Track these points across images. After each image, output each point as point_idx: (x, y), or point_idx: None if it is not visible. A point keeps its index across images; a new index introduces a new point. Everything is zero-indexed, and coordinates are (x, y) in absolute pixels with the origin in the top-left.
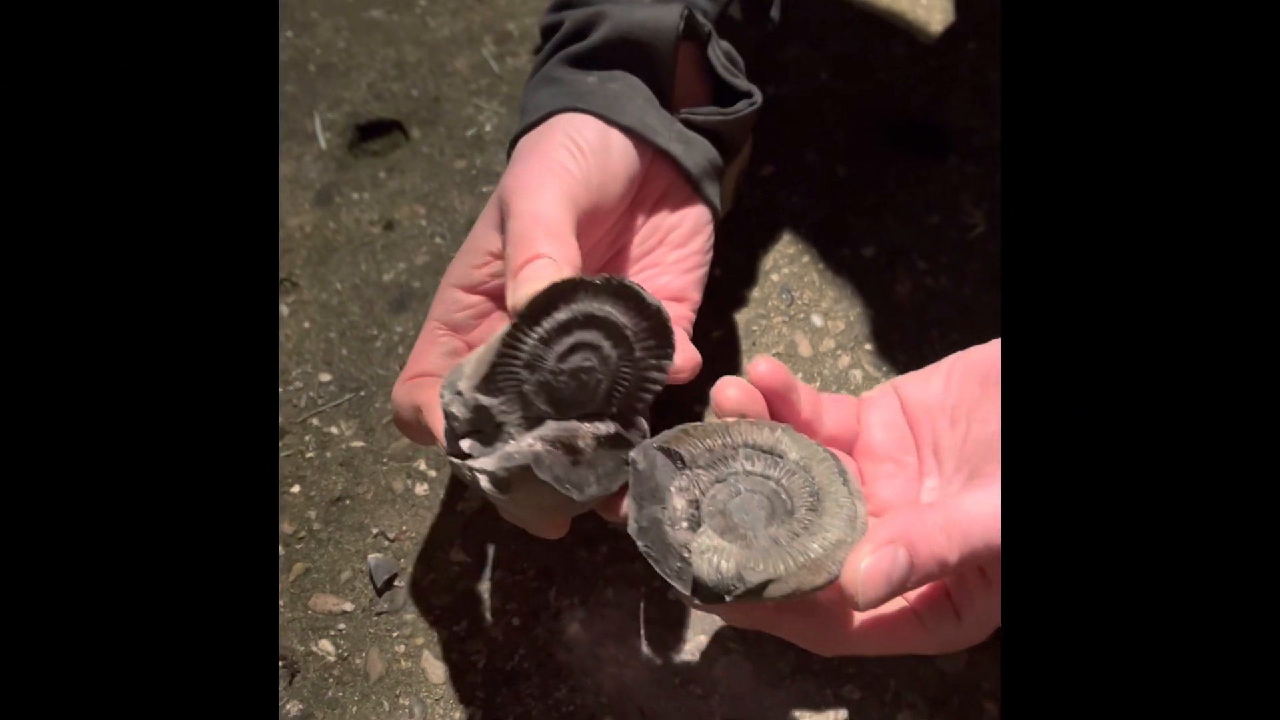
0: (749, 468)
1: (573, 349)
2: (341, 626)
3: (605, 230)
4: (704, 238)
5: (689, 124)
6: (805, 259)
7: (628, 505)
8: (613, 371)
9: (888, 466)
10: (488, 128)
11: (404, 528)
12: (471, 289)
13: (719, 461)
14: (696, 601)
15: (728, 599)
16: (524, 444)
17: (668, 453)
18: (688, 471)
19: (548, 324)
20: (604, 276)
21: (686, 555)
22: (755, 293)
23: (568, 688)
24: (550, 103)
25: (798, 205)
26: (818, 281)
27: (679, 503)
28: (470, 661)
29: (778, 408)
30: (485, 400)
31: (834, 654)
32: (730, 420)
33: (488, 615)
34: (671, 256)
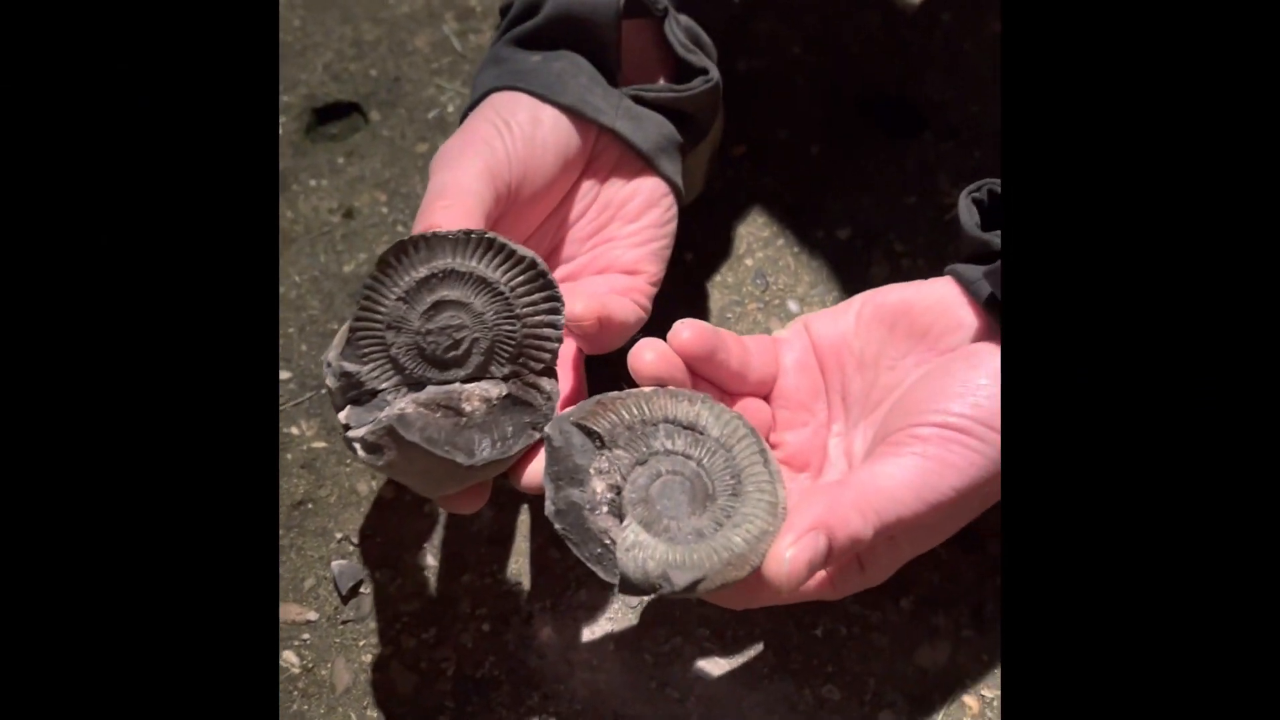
0: (669, 446)
1: (436, 306)
2: (306, 636)
3: (548, 207)
4: (659, 211)
5: (640, 100)
6: (780, 242)
7: (544, 483)
8: (490, 329)
9: (800, 414)
10: (450, 109)
11: (369, 532)
12: None
13: (638, 440)
14: (617, 590)
15: (653, 595)
16: (397, 408)
17: (585, 430)
18: (607, 452)
19: (405, 281)
20: (464, 230)
21: (608, 542)
22: (729, 278)
23: (540, 695)
24: (489, 82)
25: (770, 186)
26: (793, 265)
27: (599, 486)
28: (440, 670)
29: (704, 368)
30: (350, 366)
31: (744, 608)
32: (648, 390)
33: (457, 621)
34: (624, 230)
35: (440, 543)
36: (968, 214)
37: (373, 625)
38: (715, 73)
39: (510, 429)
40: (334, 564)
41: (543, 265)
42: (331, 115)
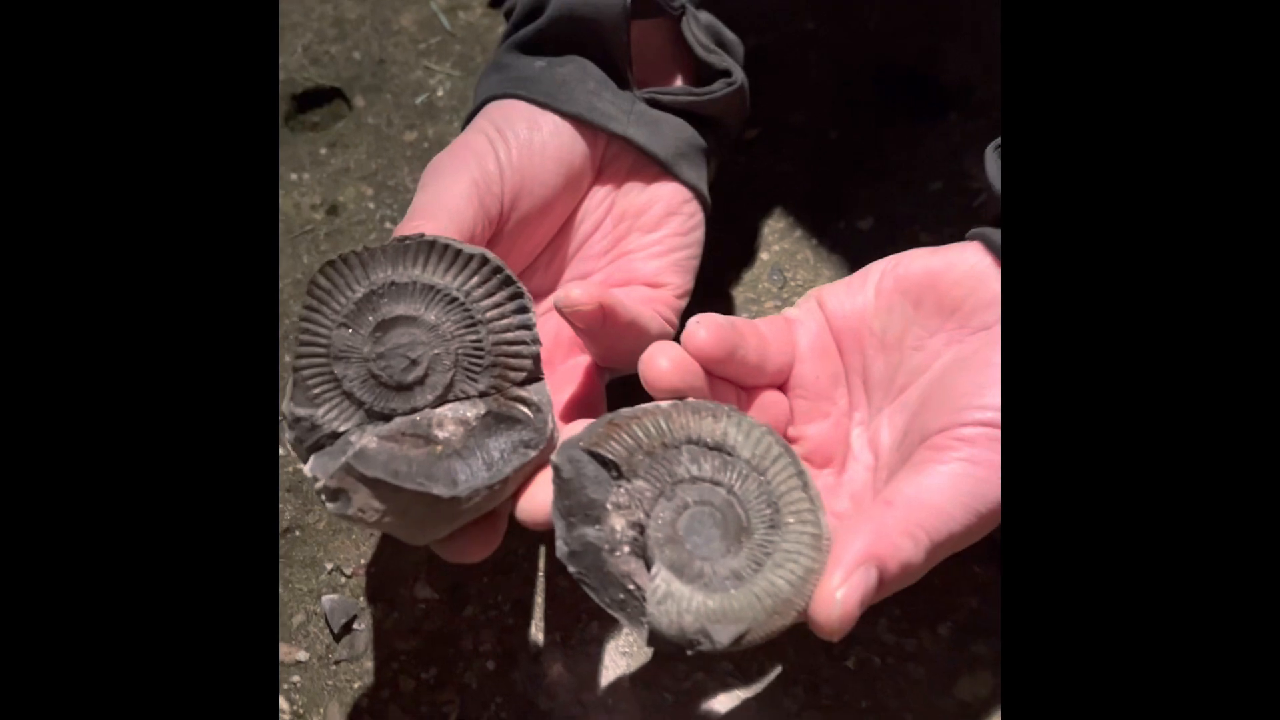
0: (695, 471)
1: (383, 326)
2: (296, 679)
3: (555, 222)
4: (680, 220)
5: (656, 104)
6: (797, 234)
7: (553, 519)
8: (451, 341)
9: (819, 404)
10: (440, 93)
11: (362, 561)
12: None
13: (660, 466)
14: (646, 644)
15: (690, 653)
16: (358, 445)
17: (598, 458)
18: (625, 484)
19: (343, 304)
20: (400, 237)
21: (631, 587)
22: (744, 274)
23: None
24: (487, 90)
25: (786, 172)
26: (812, 259)
27: (618, 523)
28: (442, 714)
29: (722, 368)
30: (302, 411)
31: None
32: (666, 406)
33: (460, 660)
34: (644, 241)
35: (440, 573)
36: (996, 171)
37: (368, 665)
38: (739, 75)
39: (498, 451)
40: (325, 598)
41: (496, 261)
42: (312, 102)
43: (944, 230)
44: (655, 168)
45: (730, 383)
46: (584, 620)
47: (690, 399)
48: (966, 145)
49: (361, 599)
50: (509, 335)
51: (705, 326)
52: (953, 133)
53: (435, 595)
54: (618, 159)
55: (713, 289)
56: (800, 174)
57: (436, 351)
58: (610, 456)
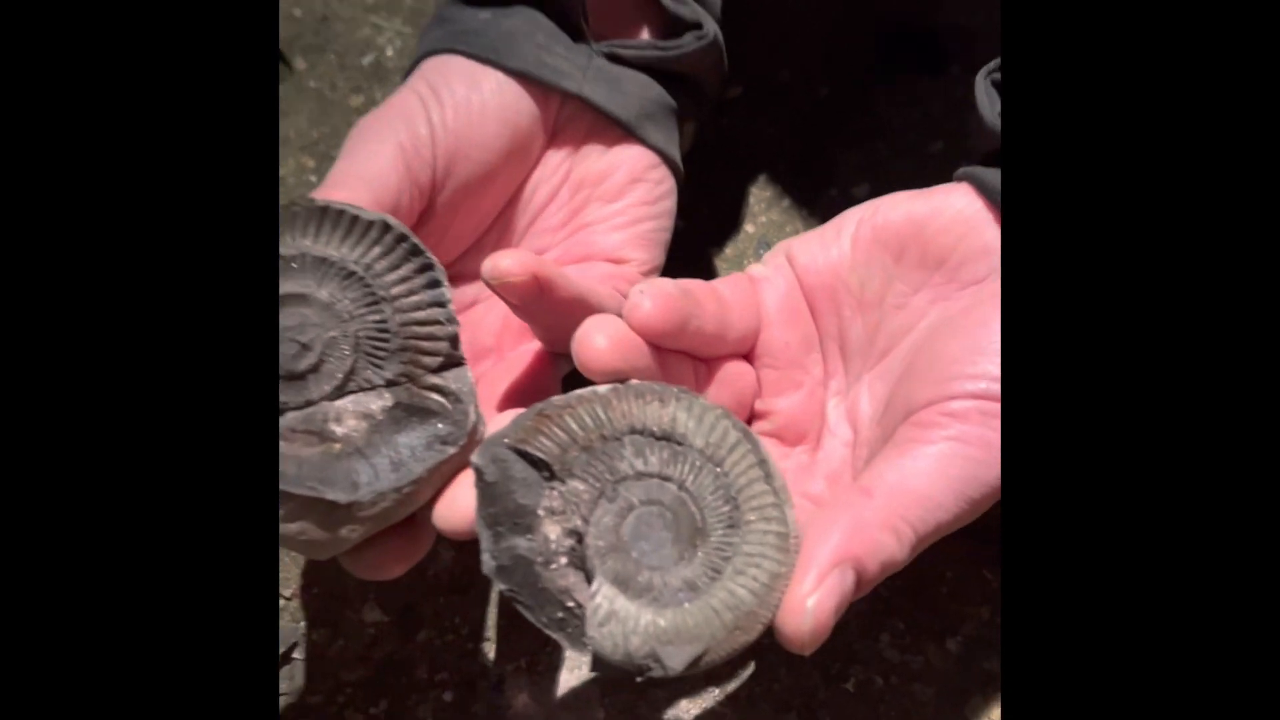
0: (640, 466)
1: None
2: None
3: (502, 192)
4: (646, 187)
5: (617, 59)
6: (785, 204)
7: (477, 529)
8: (349, 321)
9: (790, 373)
10: (389, 52)
11: (303, 581)
12: None
13: (599, 462)
14: (590, 669)
15: (639, 680)
16: None
17: (526, 456)
18: (559, 485)
19: None
20: (288, 203)
21: (570, 604)
22: (727, 249)
23: None
24: (426, 45)
25: (772, 136)
26: (803, 231)
27: (552, 532)
28: None
29: (675, 341)
30: None
31: None
32: (604, 390)
33: (414, 691)
34: (604, 211)
35: (390, 593)
36: (987, 101)
37: (310, 700)
38: (711, 27)
39: (408, 449)
40: None
41: (400, 227)
42: None
43: None
44: (616, 130)
45: (686, 355)
46: (550, 643)
47: (634, 381)
48: (970, 102)
49: (302, 624)
50: (419, 314)
51: (650, 295)
52: (954, 88)
53: (385, 618)
54: (573, 121)
55: (691, 267)
56: (787, 136)
57: (332, 334)
58: (540, 454)
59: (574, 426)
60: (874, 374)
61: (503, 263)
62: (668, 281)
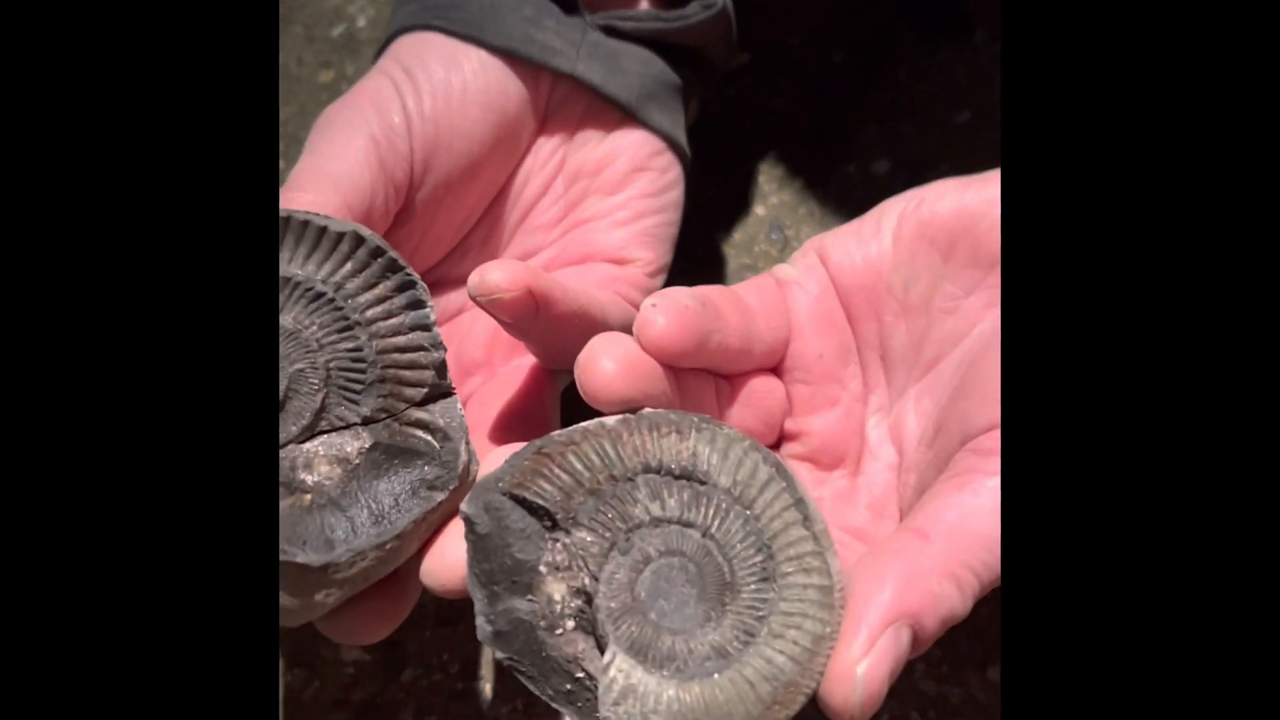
0: (657, 511)
1: None
2: None
3: (488, 187)
4: (651, 177)
5: (614, 32)
6: (799, 183)
7: (469, 589)
8: (319, 351)
9: (825, 388)
10: (360, 22)
11: None
12: None
13: (608, 508)
14: None
15: None
16: None
17: (524, 503)
18: (563, 536)
19: None
20: None
21: (580, 675)
22: (735, 234)
23: None
24: (400, 21)
25: (783, 108)
26: (818, 213)
27: (556, 591)
28: None
29: (694, 360)
30: None
31: None
32: (613, 423)
33: None
34: (604, 205)
35: None
36: None
37: None
38: None
39: (390, 497)
40: None
41: (375, 240)
42: None
43: (975, 170)
44: (616, 113)
45: (707, 372)
46: None
47: (648, 411)
48: (998, 69)
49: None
50: (399, 339)
51: (665, 310)
52: (981, 54)
53: (366, 656)
54: (567, 103)
55: (696, 257)
56: (800, 109)
57: (299, 367)
58: (540, 500)
59: (579, 467)
60: (920, 388)
61: (491, 276)
62: (683, 292)
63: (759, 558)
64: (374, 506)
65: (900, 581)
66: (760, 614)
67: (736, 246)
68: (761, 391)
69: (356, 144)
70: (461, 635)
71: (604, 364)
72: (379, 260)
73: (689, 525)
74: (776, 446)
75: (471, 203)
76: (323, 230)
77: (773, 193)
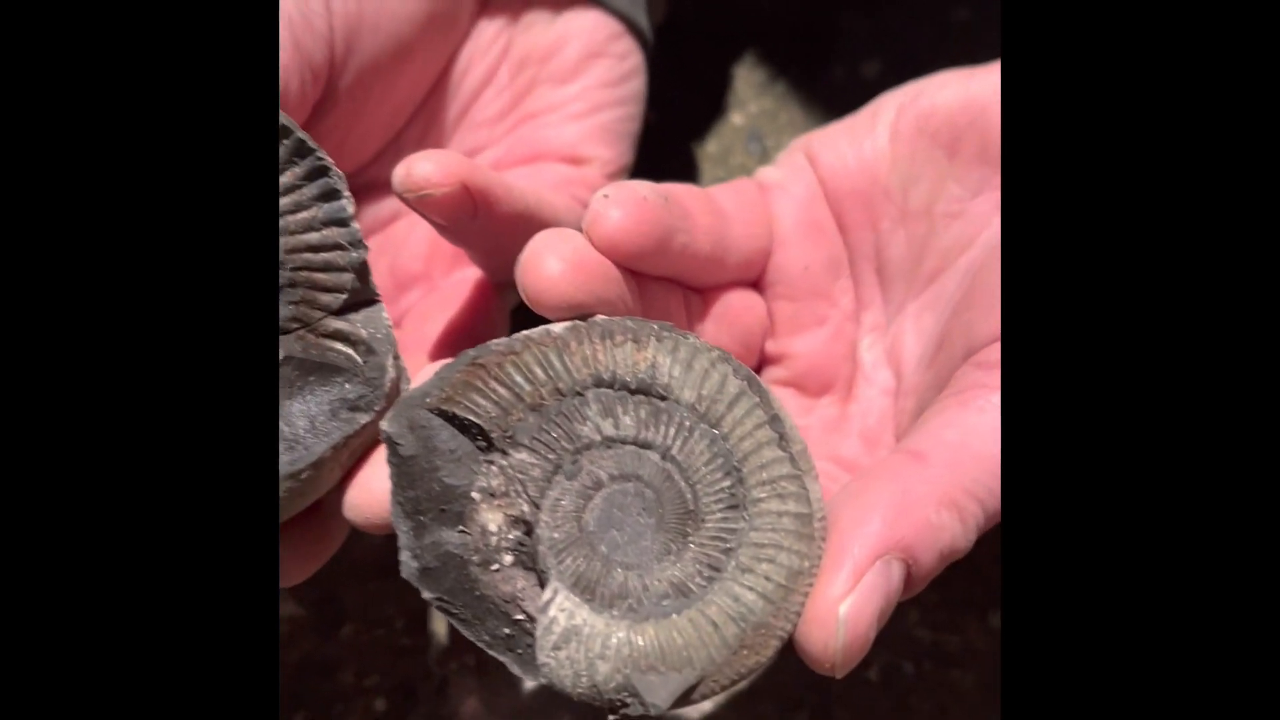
0: (609, 430)
1: None
2: None
3: (423, 76)
4: (608, 64)
5: None
6: (780, 87)
7: (392, 520)
8: None
9: (811, 304)
10: None
11: None
12: None
13: (553, 426)
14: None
15: (612, 718)
16: None
17: (455, 420)
18: (499, 458)
19: None
20: None
21: (519, 617)
22: (710, 145)
23: None
24: None
25: (762, 6)
26: (801, 121)
27: (492, 521)
28: None
29: (657, 264)
30: None
31: None
32: (560, 329)
33: (338, 699)
34: (554, 97)
35: (306, 581)
36: None
37: None
38: None
39: (306, 419)
40: None
41: (283, 119)
42: None
43: None
44: None
45: (674, 282)
46: None
47: (600, 318)
48: None
49: None
50: (311, 236)
51: (619, 203)
52: None
53: (301, 611)
54: None
55: (668, 166)
56: (780, 5)
57: None
58: (473, 417)
59: (518, 379)
60: (921, 303)
61: (420, 168)
62: (642, 184)
63: (727, 482)
64: (286, 431)
65: (891, 509)
66: (727, 545)
67: (711, 159)
68: (738, 308)
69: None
70: (404, 586)
71: (549, 262)
72: (285, 143)
73: (646, 446)
74: (757, 371)
75: (403, 92)
76: None
77: (751, 99)
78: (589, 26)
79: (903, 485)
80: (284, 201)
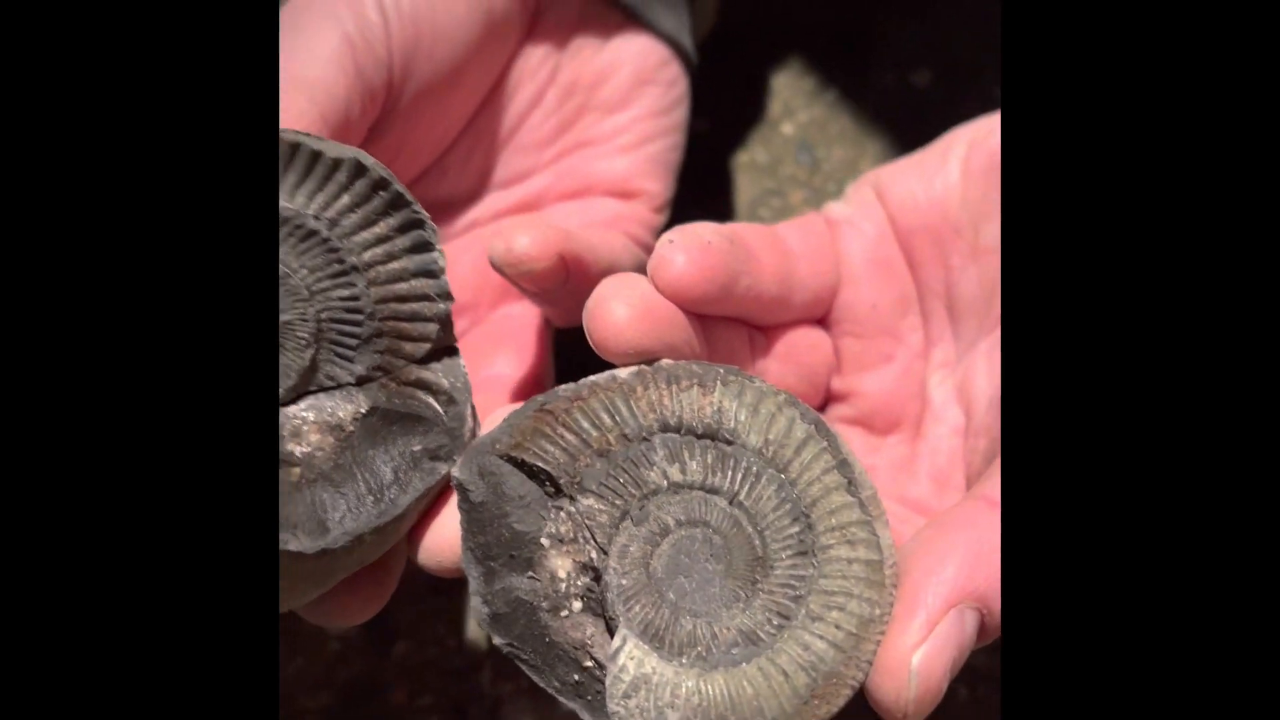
0: (676, 476)
1: None
2: None
3: (470, 99)
4: (657, 92)
5: None
6: (830, 96)
7: (463, 565)
8: (309, 300)
9: (879, 342)
10: None
11: None
12: None
13: (620, 472)
14: None
15: None
16: None
17: (524, 467)
18: (567, 505)
19: None
20: None
21: (589, 664)
22: (759, 155)
23: None
24: None
25: (810, 7)
26: (852, 131)
27: (561, 568)
28: None
29: (722, 307)
30: None
31: None
32: (625, 375)
33: (390, 717)
34: (605, 126)
35: None
36: None
37: None
38: None
39: (390, 469)
40: None
41: (379, 169)
42: None
43: None
44: (616, 13)
45: (739, 321)
46: None
47: (666, 362)
48: None
49: None
50: (400, 287)
51: (684, 248)
52: None
53: (352, 630)
54: (558, 6)
55: (717, 178)
56: (829, 11)
57: (286, 318)
58: (542, 464)
59: (586, 425)
60: (992, 340)
61: (519, 244)
62: (706, 227)
63: (795, 528)
64: (371, 481)
65: (966, 557)
66: (797, 593)
67: (760, 169)
68: (804, 345)
69: (329, 43)
70: (457, 605)
71: (616, 309)
72: (382, 194)
73: (713, 491)
74: (822, 409)
75: (453, 116)
76: (316, 155)
77: (800, 108)
78: (639, 52)
79: (978, 533)
80: (377, 252)
